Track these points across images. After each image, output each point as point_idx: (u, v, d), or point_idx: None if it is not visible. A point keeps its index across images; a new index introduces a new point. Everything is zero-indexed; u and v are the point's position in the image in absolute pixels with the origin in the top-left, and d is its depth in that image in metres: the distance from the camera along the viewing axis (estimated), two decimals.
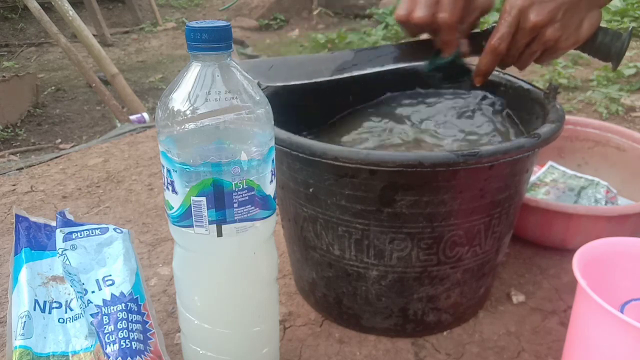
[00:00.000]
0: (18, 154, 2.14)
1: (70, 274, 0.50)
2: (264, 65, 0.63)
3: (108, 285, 0.50)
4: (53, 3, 2.41)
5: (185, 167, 0.39)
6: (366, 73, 0.63)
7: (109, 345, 0.45)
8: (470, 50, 0.62)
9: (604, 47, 0.58)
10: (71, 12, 2.36)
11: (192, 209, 0.40)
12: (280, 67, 0.63)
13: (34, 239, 0.54)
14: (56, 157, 1.09)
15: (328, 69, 0.63)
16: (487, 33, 0.60)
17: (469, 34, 0.62)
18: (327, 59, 0.65)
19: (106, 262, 0.52)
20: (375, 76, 0.63)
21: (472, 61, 0.65)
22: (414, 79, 0.70)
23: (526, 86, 0.63)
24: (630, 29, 0.59)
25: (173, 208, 0.42)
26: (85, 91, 3.02)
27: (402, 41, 0.67)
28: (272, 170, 0.42)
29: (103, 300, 0.49)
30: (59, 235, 0.52)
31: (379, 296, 0.55)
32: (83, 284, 0.50)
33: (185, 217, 0.41)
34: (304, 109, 0.64)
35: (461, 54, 0.61)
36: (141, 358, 0.45)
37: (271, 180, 0.43)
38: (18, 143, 2.37)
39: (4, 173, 1.02)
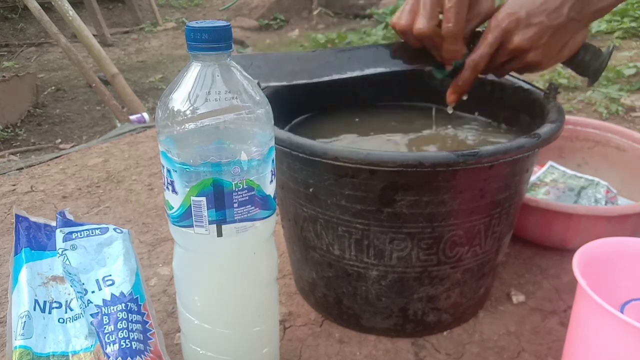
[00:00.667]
0: (18, 154, 2.14)
1: (70, 274, 0.50)
2: (244, 62, 0.60)
3: (108, 285, 0.50)
4: (53, 3, 2.42)
5: (185, 167, 0.39)
6: (347, 77, 0.61)
7: (109, 345, 0.45)
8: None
9: (583, 64, 0.59)
10: (71, 12, 2.36)
11: (192, 209, 0.40)
12: (260, 65, 0.61)
13: (34, 239, 0.54)
14: (56, 157, 1.09)
15: (309, 69, 0.61)
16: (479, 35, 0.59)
17: (469, 39, 0.60)
18: (308, 58, 0.63)
19: (106, 262, 0.52)
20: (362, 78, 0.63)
21: None
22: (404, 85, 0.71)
23: (526, 86, 0.63)
24: (610, 48, 0.59)
25: (173, 208, 0.42)
26: (85, 91, 3.02)
27: (384, 43, 0.65)
28: (272, 170, 0.42)
29: (103, 300, 0.49)
30: (59, 235, 0.52)
31: (379, 296, 0.55)
32: (83, 284, 0.50)
33: (185, 217, 0.41)
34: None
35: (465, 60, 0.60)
36: (141, 358, 0.45)
37: (271, 180, 0.43)
38: (18, 143, 2.37)
39: (4, 173, 1.02)
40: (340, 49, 0.65)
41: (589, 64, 0.58)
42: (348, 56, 0.63)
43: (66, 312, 0.50)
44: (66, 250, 0.52)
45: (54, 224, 0.56)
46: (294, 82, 0.59)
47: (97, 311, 0.48)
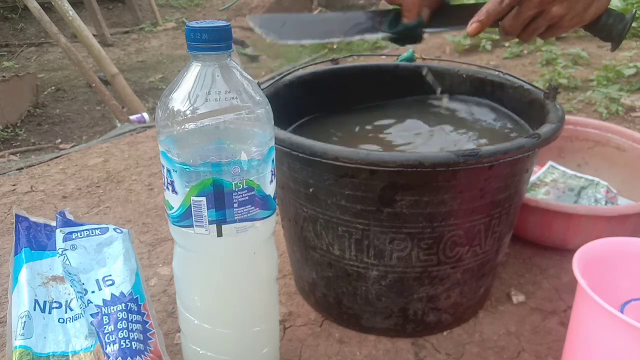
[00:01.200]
0: (18, 154, 2.14)
1: (70, 274, 0.50)
2: (276, 21, 0.61)
3: (108, 285, 0.50)
4: (53, 3, 2.42)
5: (185, 167, 0.39)
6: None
7: (109, 345, 0.45)
8: (433, 21, 0.61)
9: (607, 28, 0.59)
10: (71, 12, 2.36)
11: (192, 209, 0.40)
12: (293, 24, 0.62)
13: (34, 239, 0.54)
14: (56, 157, 1.09)
15: (340, 30, 0.62)
16: (463, 8, 0.59)
17: (435, 7, 0.61)
18: (339, 19, 0.64)
19: (106, 262, 0.52)
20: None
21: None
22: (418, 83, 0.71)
23: (526, 86, 0.63)
24: (633, 11, 0.59)
25: (173, 208, 0.42)
26: (85, 91, 3.02)
27: None
28: (272, 170, 0.42)
29: (103, 300, 0.49)
30: (59, 235, 0.52)
31: (379, 296, 0.55)
32: (83, 284, 0.50)
33: (185, 217, 0.41)
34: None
35: (422, 22, 0.60)
36: (141, 358, 0.45)
37: (271, 180, 0.43)
38: (18, 143, 2.37)
39: (4, 173, 1.02)
40: (371, 11, 0.65)
41: (612, 27, 0.58)
42: (379, 19, 0.63)
43: (66, 312, 0.50)
44: (66, 250, 0.52)
45: (54, 224, 0.56)
46: (327, 40, 0.61)
47: (97, 311, 0.48)
